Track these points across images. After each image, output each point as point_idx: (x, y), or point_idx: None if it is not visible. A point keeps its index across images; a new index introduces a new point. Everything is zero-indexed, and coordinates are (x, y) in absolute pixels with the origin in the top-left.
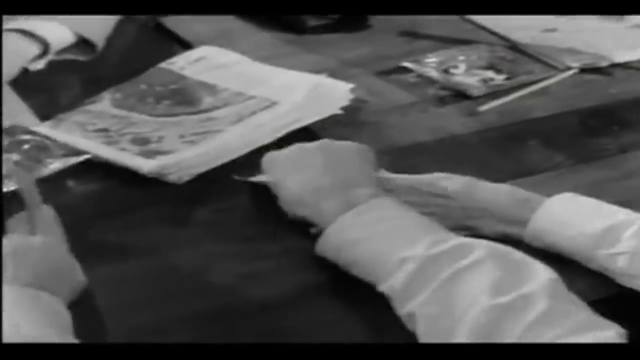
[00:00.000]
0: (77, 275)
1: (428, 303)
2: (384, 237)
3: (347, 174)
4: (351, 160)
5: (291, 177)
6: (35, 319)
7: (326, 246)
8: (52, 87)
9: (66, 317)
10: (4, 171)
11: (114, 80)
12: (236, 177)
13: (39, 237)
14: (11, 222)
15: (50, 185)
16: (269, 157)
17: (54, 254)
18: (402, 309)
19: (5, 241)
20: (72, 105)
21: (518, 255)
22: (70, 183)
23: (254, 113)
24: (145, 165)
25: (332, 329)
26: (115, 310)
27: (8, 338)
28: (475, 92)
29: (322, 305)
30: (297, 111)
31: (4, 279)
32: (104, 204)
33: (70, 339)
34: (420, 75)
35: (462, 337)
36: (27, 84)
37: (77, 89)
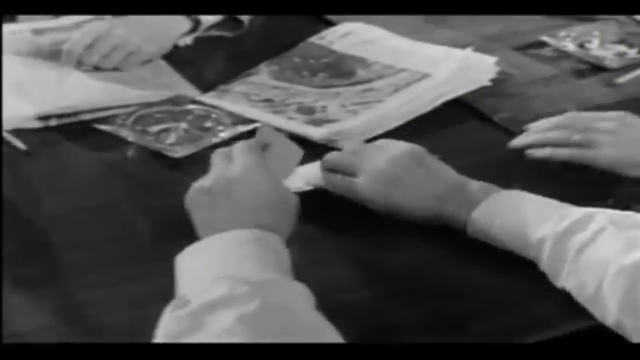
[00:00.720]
0: (293, 208)
1: (567, 277)
2: (521, 220)
3: (442, 175)
4: (430, 160)
5: (399, 190)
6: (258, 261)
7: (475, 228)
8: (201, 62)
9: (286, 255)
10: (174, 139)
11: (259, 55)
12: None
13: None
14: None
15: None
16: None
17: (265, 185)
18: (558, 285)
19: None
20: (227, 78)
21: (635, 218)
22: None
23: (408, 84)
24: (316, 133)
25: None
26: None
27: (229, 278)
28: (613, 65)
29: None
30: (449, 83)
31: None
32: None
33: (289, 281)
34: (557, 49)
35: (609, 303)
36: (177, 59)
37: (225, 64)
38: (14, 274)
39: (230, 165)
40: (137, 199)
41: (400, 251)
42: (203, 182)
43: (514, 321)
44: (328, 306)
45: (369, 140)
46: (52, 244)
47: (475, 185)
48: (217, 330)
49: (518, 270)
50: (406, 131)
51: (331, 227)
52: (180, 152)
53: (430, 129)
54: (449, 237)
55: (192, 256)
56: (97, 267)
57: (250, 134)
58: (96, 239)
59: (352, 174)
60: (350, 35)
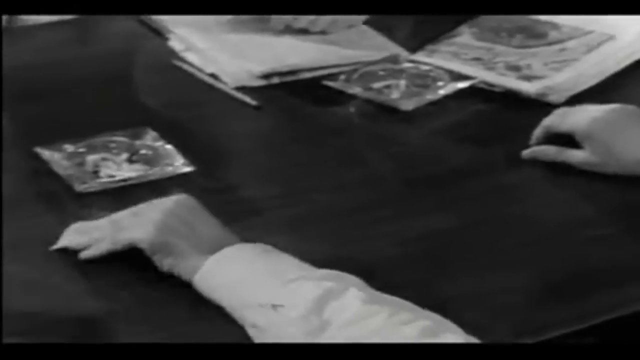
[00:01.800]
0: None
1: None
2: None
3: None
4: None
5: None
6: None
7: None
8: (397, 26)
9: None
10: (398, 95)
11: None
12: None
13: None
14: None
15: (440, 107)
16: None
17: None
18: None
19: None
20: (427, 40)
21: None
22: (458, 105)
23: (599, 44)
24: (532, 88)
25: None
26: None
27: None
28: None
29: None
30: (635, 43)
31: None
32: (494, 125)
33: None
34: None
35: None
36: (374, 24)
37: (419, 27)
38: None
39: None
40: (369, 149)
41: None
42: None
43: None
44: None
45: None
46: (299, 191)
47: None
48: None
49: None
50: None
51: None
52: (405, 106)
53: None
54: None
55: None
56: (354, 210)
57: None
58: (334, 185)
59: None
60: None
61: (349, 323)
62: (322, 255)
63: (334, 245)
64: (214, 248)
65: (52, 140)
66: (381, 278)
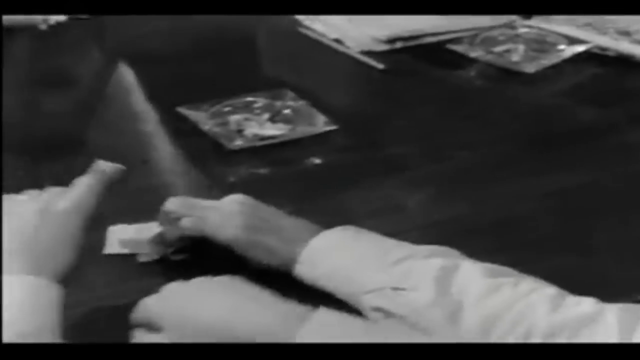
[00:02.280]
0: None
1: None
2: None
3: None
4: None
5: None
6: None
7: None
8: None
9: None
10: (518, 58)
11: None
12: None
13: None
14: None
15: (559, 70)
16: None
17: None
18: None
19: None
20: None
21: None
22: (575, 69)
23: None
24: None
25: None
26: None
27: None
28: None
29: None
30: None
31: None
32: (612, 87)
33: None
34: None
35: None
36: None
37: None
38: None
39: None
40: (496, 109)
41: None
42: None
43: None
44: None
45: None
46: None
47: None
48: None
49: None
50: None
51: None
52: (527, 69)
53: None
54: None
55: None
56: (489, 167)
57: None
58: (468, 144)
59: None
60: None
61: (480, 298)
62: (462, 211)
63: (472, 201)
64: (299, 237)
65: (193, 101)
66: (518, 232)
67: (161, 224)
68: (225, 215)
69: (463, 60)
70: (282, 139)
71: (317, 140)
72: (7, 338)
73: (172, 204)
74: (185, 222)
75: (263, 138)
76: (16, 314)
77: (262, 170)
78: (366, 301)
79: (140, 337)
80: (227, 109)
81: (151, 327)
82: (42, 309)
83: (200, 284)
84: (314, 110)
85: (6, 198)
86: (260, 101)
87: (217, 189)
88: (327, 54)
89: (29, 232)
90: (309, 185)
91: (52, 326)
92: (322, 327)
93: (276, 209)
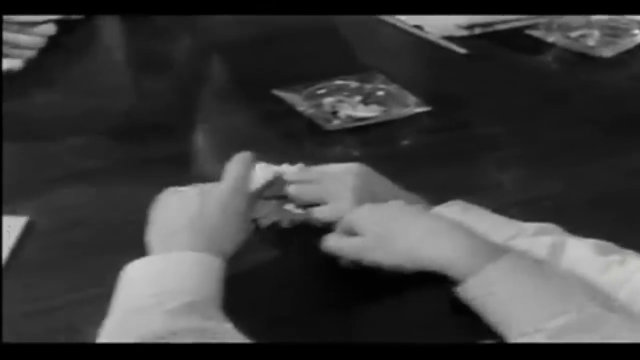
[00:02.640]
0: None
1: None
2: None
3: None
4: None
5: None
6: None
7: None
8: None
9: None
10: (593, 43)
11: None
12: None
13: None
14: None
15: (632, 55)
16: None
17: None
18: None
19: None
20: None
21: None
22: None
23: None
24: None
25: None
26: None
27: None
28: None
29: None
30: None
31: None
32: None
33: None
34: None
35: None
36: None
37: None
38: None
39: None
40: (576, 92)
41: None
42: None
43: None
44: None
45: None
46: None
47: None
48: None
49: None
50: None
51: None
52: (604, 53)
53: None
54: None
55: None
56: (575, 147)
57: None
58: (555, 124)
59: None
60: None
61: (592, 278)
62: (554, 188)
63: (564, 180)
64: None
65: (286, 84)
66: (611, 209)
67: (274, 193)
68: (340, 191)
69: (540, 45)
70: (375, 121)
71: (409, 122)
72: (176, 305)
73: (291, 173)
74: (319, 213)
75: (357, 119)
76: (187, 286)
77: (357, 151)
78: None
79: (337, 240)
80: (320, 91)
81: (351, 232)
82: (208, 282)
83: (400, 207)
84: (405, 92)
85: (168, 190)
86: (351, 84)
87: None
88: (409, 40)
89: (194, 211)
90: (404, 164)
91: (217, 297)
92: (509, 269)
93: (389, 182)
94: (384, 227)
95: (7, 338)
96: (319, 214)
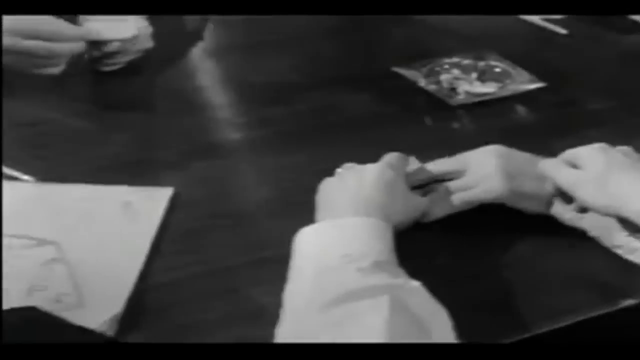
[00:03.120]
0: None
1: None
2: None
3: None
4: None
5: None
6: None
7: None
8: None
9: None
10: None
11: None
12: None
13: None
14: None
15: None
16: None
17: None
18: None
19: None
20: None
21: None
22: None
23: None
24: None
25: None
26: None
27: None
28: None
29: None
30: None
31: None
32: None
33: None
34: None
35: None
36: None
37: None
38: None
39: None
40: None
41: None
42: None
43: None
44: None
45: None
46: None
47: None
48: None
49: None
50: None
51: None
52: None
53: None
54: None
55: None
56: None
57: None
58: None
59: None
60: None
61: None
62: None
63: None
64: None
65: (405, 63)
66: None
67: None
68: (485, 176)
69: (634, 26)
70: (492, 97)
71: (524, 97)
72: (366, 265)
73: (435, 163)
74: (456, 201)
75: (476, 95)
76: (371, 247)
77: (476, 126)
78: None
79: (556, 164)
80: (437, 68)
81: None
82: (387, 245)
83: (629, 155)
84: (518, 69)
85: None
86: (466, 61)
87: (437, 145)
88: (509, 21)
89: (354, 186)
90: (522, 139)
91: (396, 260)
92: None
93: (529, 154)
94: (607, 167)
95: (155, 304)
96: (483, 194)
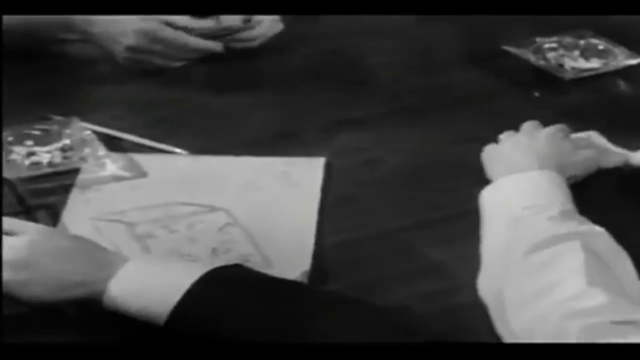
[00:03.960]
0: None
1: None
2: None
3: None
4: None
5: None
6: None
7: None
8: None
9: None
10: None
11: None
12: None
13: None
14: None
15: None
16: None
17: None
18: None
19: None
20: None
21: None
22: None
23: None
24: None
25: None
26: None
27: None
28: None
29: None
30: None
31: None
32: None
33: None
34: None
35: None
36: None
37: None
38: None
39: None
40: None
41: None
42: None
43: None
44: None
45: None
46: None
47: None
48: None
49: None
50: None
51: None
52: None
53: None
54: None
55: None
56: None
57: None
58: None
59: None
60: None
61: None
62: None
63: None
64: None
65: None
66: None
67: None
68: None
69: None
70: (597, 72)
71: (627, 72)
72: (554, 214)
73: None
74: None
75: (582, 70)
76: (555, 197)
77: (586, 98)
78: None
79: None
80: (545, 46)
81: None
82: (567, 194)
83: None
84: (617, 46)
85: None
86: (565, 40)
87: (550, 117)
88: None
89: (525, 142)
90: (629, 111)
91: (575, 208)
92: None
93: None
94: None
95: (334, 263)
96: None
